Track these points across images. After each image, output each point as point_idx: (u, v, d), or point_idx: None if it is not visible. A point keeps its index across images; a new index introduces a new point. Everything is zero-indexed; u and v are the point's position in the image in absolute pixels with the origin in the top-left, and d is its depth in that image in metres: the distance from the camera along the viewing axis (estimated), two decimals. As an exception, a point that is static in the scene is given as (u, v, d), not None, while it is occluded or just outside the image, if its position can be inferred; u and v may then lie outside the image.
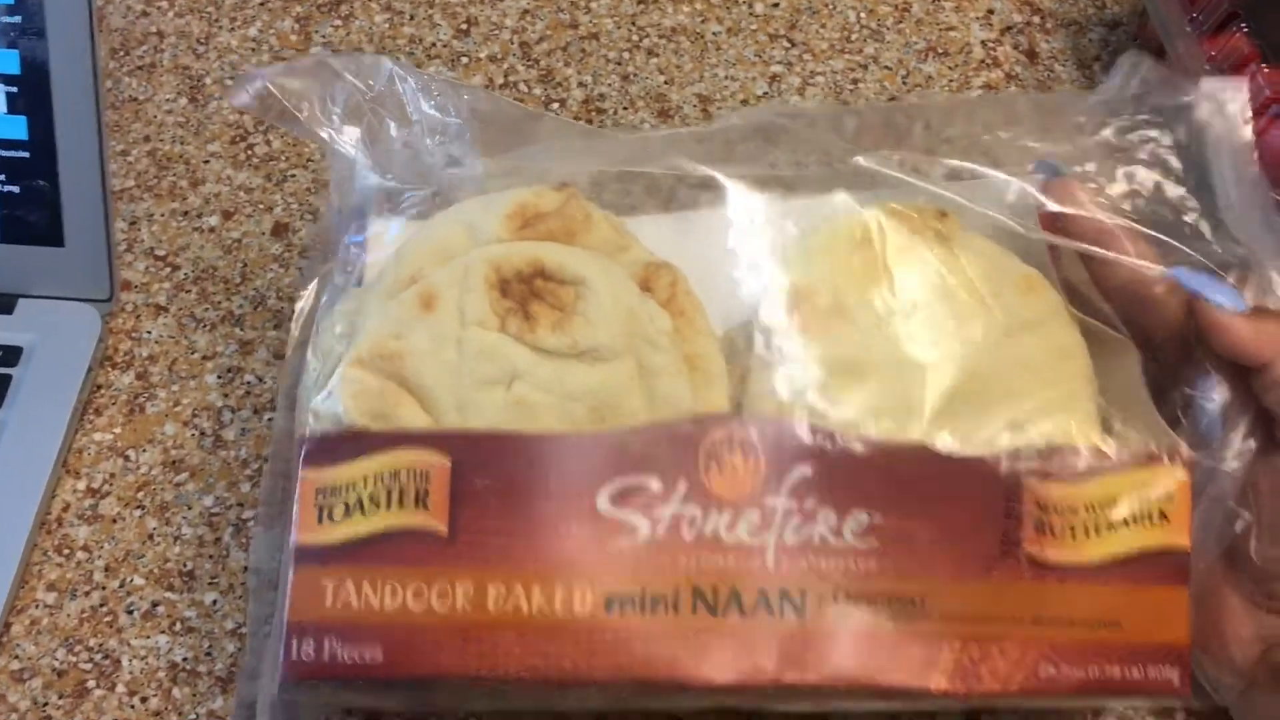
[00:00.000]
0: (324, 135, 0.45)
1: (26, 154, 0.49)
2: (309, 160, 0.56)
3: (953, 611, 0.35)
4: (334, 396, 0.38)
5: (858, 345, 0.39)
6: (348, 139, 0.45)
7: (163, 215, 0.55)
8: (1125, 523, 0.36)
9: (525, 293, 0.39)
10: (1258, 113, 0.47)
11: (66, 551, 0.45)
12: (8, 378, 0.48)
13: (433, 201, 0.45)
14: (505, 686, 0.35)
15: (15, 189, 0.49)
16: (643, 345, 0.39)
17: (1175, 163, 0.43)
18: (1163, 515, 0.36)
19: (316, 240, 0.45)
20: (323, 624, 0.35)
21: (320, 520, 0.36)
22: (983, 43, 0.61)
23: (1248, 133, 0.42)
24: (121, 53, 0.60)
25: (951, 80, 0.59)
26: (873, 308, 0.40)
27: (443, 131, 0.46)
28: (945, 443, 0.37)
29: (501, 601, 0.35)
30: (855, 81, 0.59)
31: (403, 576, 0.35)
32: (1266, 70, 0.48)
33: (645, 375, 0.39)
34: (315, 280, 0.43)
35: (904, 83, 0.59)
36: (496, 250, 0.40)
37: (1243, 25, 0.51)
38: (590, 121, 0.57)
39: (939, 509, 0.36)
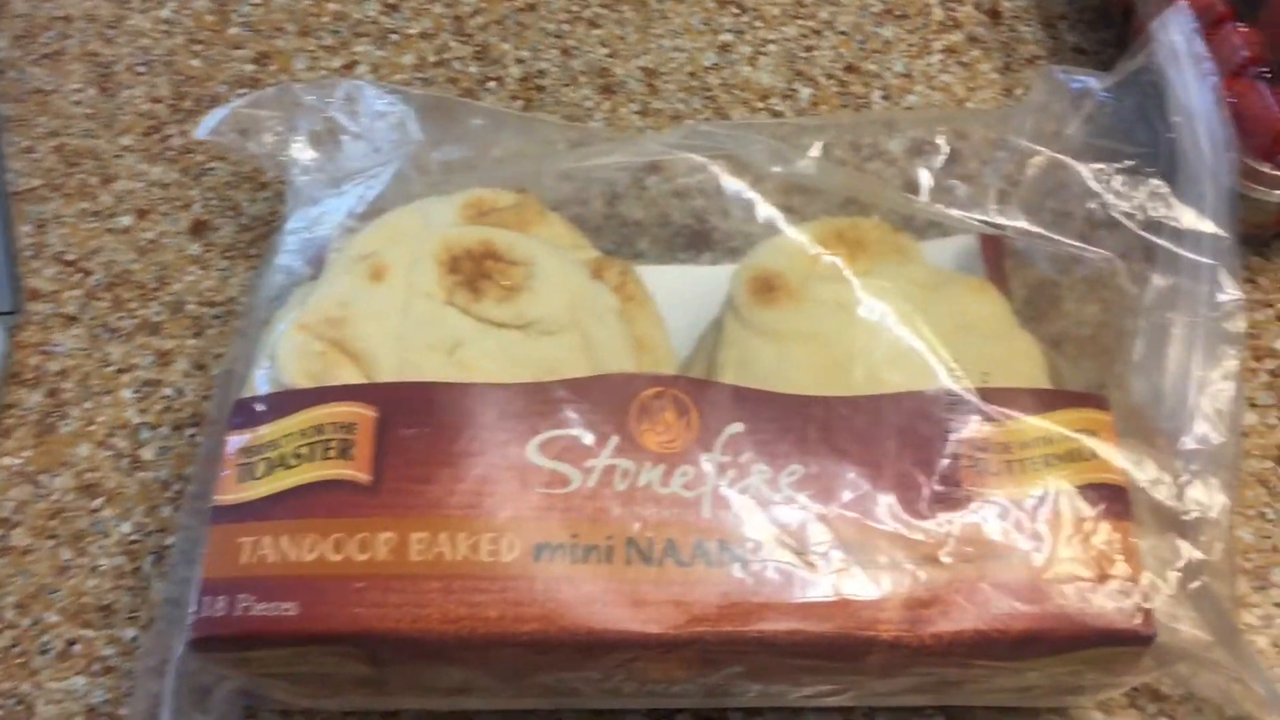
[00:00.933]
0: (284, 168, 0.46)
1: (-86, 157, 0.45)
2: (229, 151, 0.52)
3: (897, 557, 0.34)
4: (274, 362, 0.37)
5: (814, 320, 0.39)
6: (308, 168, 0.45)
7: (72, 216, 0.51)
8: (1060, 458, 0.35)
9: (475, 271, 0.39)
10: (1235, 75, 0.44)
11: (-26, 588, 0.42)
12: (-96, 401, 0.44)
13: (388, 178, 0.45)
14: (427, 644, 0.33)
15: (-96, 196, 0.45)
16: (589, 321, 0.39)
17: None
18: (1094, 453, 0.35)
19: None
20: (236, 580, 0.34)
21: (241, 480, 0.35)
22: (942, 3, 0.58)
23: (1200, 43, 0.42)
24: (26, 40, 0.56)
25: (911, 45, 0.56)
26: (831, 296, 0.40)
27: (390, 116, 0.46)
28: (881, 390, 0.37)
29: (425, 550, 0.34)
30: (809, 49, 0.56)
31: (322, 528, 0.34)
32: (1244, 30, 0.45)
33: (591, 350, 0.38)
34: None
35: (861, 48, 0.56)
36: (449, 231, 0.40)
37: (1216, -20, 0.47)
38: (529, 102, 0.54)
39: (874, 456, 0.35)
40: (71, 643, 0.41)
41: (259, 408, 0.36)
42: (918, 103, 0.54)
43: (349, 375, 0.37)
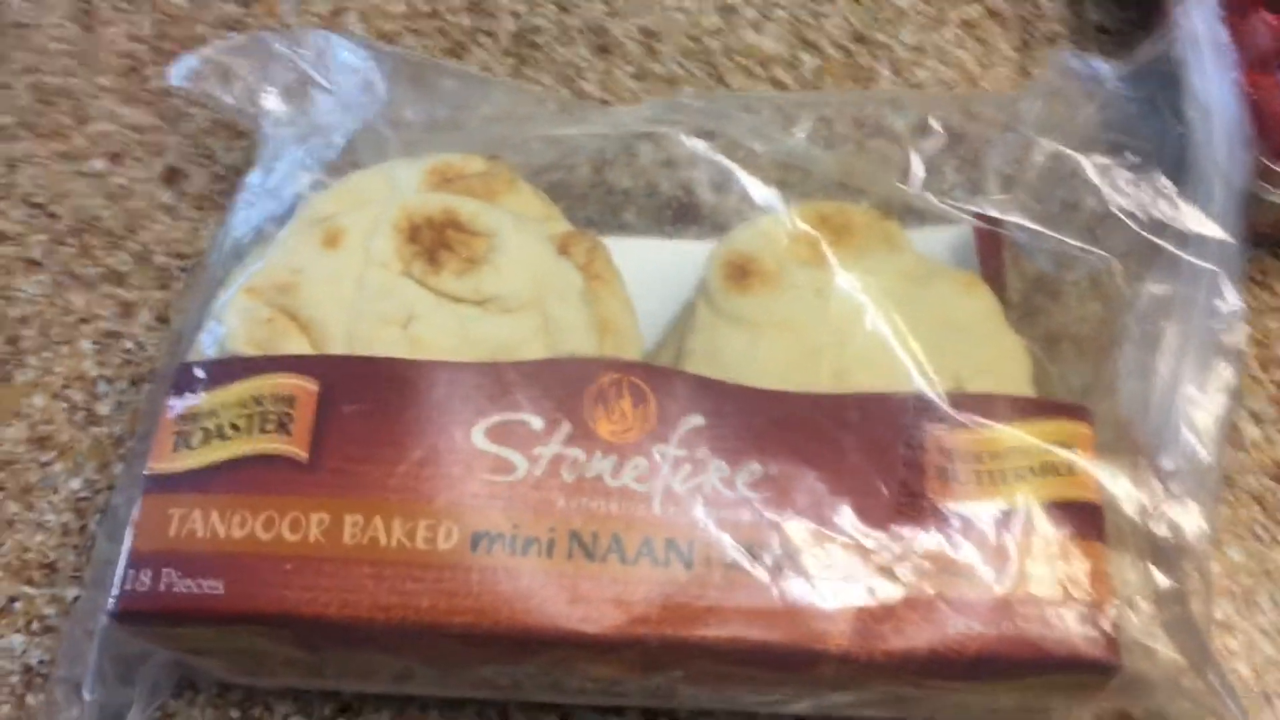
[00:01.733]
0: (255, 119, 0.44)
1: (-124, 90, 0.44)
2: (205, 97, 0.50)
3: (852, 568, 0.32)
4: (220, 326, 0.36)
5: (788, 308, 0.37)
6: (279, 120, 0.43)
7: (44, 157, 0.49)
8: (1034, 472, 0.33)
9: (435, 240, 0.37)
10: (1258, 68, 0.42)
11: (-81, 538, 0.41)
12: None
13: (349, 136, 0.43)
14: (356, 630, 0.32)
15: None
16: (551, 300, 0.37)
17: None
18: (1069, 468, 0.33)
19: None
20: (163, 554, 0.32)
21: (176, 448, 0.34)
22: (962, -27, 0.55)
23: (1223, 32, 0.39)
24: (10, -30, 0.55)
25: (925, 16, 0.53)
26: (810, 285, 0.38)
27: (361, 73, 0.44)
28: (849, 388, 0.35)
29: (358, 534, 0.32)
30: (818, 15, 0.53)
31: (254, 505, 0.33)
32: (1272, 20, 0.42)
33: (551, 330, 0.37)
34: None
35: (872, 17, 0.53)
36: (411, 198, 0.38)
37: (1249, -37, 0.45)
38: (521, 59, 0.52)
39: (837, 459, 0.33)
40: (12, 600, 0.40)
41: (199, 374, 0.35)
42: (928, 79, 0.52)
43: (296, 345, 0.36)
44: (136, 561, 0.33)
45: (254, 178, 0.41)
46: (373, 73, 0.42)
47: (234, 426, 0.34)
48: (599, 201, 0.47)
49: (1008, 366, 0.37)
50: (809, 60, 0.52)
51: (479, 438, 0.34)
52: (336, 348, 0.36)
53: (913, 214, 0.42)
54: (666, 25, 0.53)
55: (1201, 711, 0.34)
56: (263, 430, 0.34)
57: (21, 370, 0.44)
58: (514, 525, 0.33)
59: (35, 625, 0.40)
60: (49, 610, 0.40)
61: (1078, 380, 0.39)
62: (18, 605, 0.40)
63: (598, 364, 0.35)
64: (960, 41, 0.53)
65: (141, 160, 0.49)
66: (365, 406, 0.34)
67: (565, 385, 0.34)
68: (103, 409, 0.44)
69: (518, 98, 0.46)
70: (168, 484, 0.34)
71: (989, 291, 0.39)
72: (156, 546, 0.33)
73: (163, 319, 0.45)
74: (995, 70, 0.52)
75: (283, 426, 0.34)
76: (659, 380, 0.35)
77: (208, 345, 0.36)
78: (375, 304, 0.36)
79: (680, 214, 0.47)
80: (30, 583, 0.40)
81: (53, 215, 0.48)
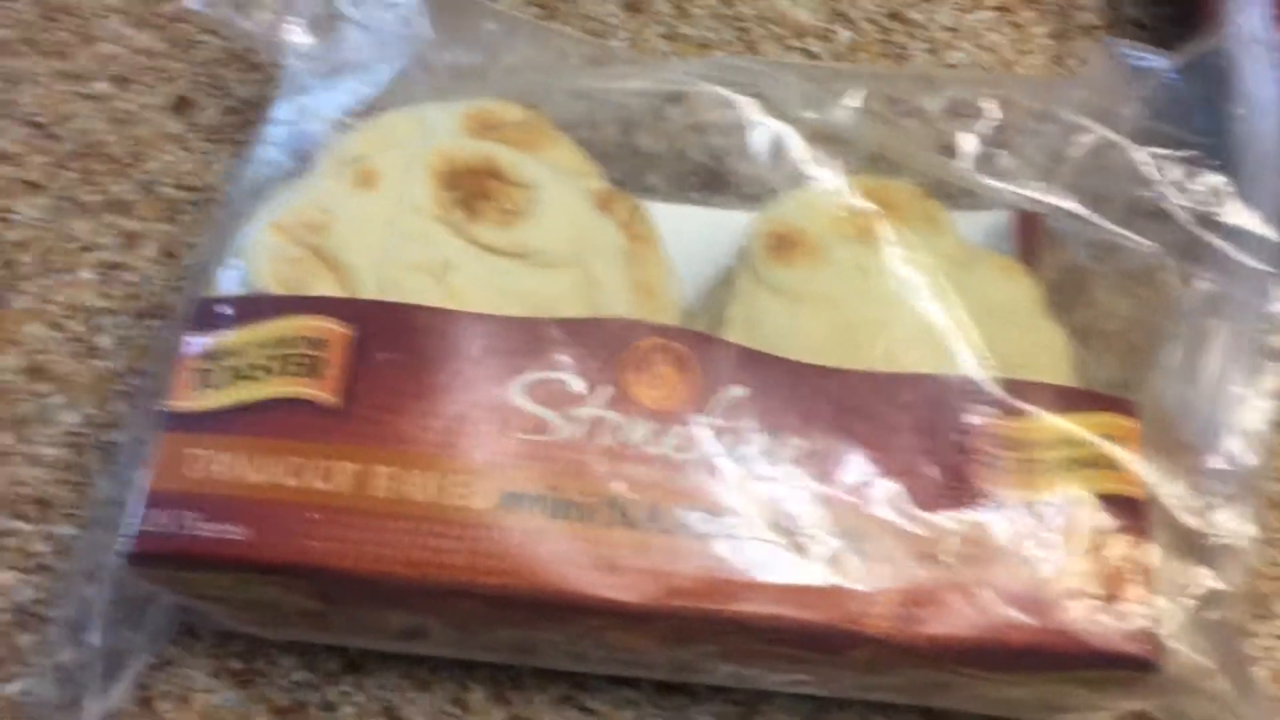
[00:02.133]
0: (276, 50, 0.42)
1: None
2: (221, 25, 0.48)
3: (894, 550, 0.31)
4: (244, 263, 0.34)
5: (831, 282, 0.36)
6: (304, 54, 0.42)
7: (47, 76, 0.47)
8: (1080, 464, 0.33)
9: (473, 189, 0.36)
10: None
11: (-97, 465, 0.39)
12: None
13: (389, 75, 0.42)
14: (385, 586, 0.31)
15: None
16: (592, 258, 0.36)
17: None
18: (1116, 463, 0.33)
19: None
20: (182, 495, 0.31)
21: (196, 387, 0.32)
22: (1000, -44, 0.54)
23: (1276, 31, 0.38)
24: (16, -122, 0.52)
25: (961, -4, 0.53)
26: (853, 260, 0.37)
27: (399, 8, 0.42)
28: (896, 368, 0.34)
29: (390, 487, 0.31)
30: (854, -12, 0.52)
31: (281, 450, 0.31)
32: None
33: (590, 289, 0.36)
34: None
35: (908, -6, 0.52)
36: (449, 142, 0.37)
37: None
38: (549, 10, 0.50)
39: (883, 440, 0.33)
40: (3, 535, 0.38)
41: (225, 310, 0.33)
42: (963, 60, 0.51)
43: (326, 286, 0.34)
44: (155, 501, 0.31)
45: (279, 112, 0.40)
46: (413, 9, 0.41)
47: (262, 368, 0.32)
48: (623, 163, 0.46)
49: (1050, 356, 0.36)
50: (843, 34, 0.51)
51: (517, 395, 0.32)
52: (367, 293, 0.34)
53: (946, 197, 0.41)
54: (700, -14, 0.52)
55: (1225, 714, 0.34)
56: (291, 373, 0.32)
57: (18, 296, 0.43)
58: (550, 487, 0.32)
59: (28, 563, 0.38)
60: (42, 547, 0.38)
61: (1108, 374, 0.38)
62: (9, 541, 0.38)
63: (641, 327, 0.34)
64: (995, 26, 0.52)
65: (150, 87, 0.47)
66: (400, 355, 0.32)
67: (607, 346, 0.33)
68: (103, 342, 0.42)
69: (544, 49, 0.44)
70: (187, 423, 0.32)
71: (1030, 278, 0.38)
72: (175, 487, 0.31)
73: (169, 253, 0.44)
74: (1030, 58, 0.51)
75: (313, 370, 0.32)
76: (703, 348, 0.34)
77: (229, 282, 0.35)
78: (409, 250, 0.35)
79: (706, 181, 0.46)
80: (22, 517, 0.39)
81: (55, 137, 0.46)
